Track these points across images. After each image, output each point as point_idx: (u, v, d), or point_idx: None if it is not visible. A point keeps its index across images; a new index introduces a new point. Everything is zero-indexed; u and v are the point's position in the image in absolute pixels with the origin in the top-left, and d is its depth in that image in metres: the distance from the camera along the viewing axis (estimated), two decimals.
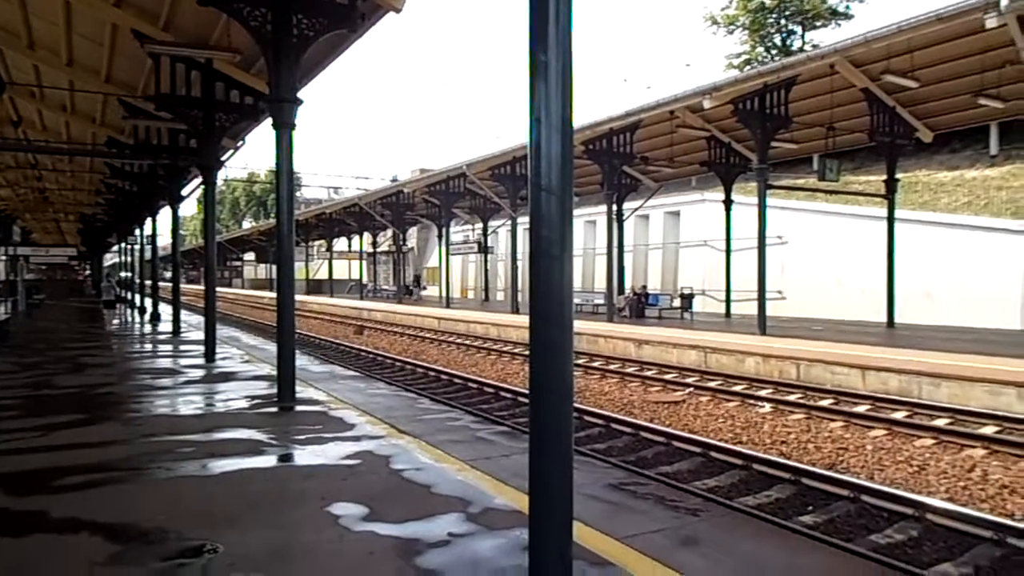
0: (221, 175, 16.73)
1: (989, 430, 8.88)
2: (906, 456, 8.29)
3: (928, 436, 8.92)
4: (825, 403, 10.82)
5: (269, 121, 8.24)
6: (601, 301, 23.78)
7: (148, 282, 26.64)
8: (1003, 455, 8.08)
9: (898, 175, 18.76)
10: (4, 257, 33.95)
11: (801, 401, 11.03)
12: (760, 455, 7.99)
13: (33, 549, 3.79)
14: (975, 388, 10.12)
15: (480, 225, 34.07)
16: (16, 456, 5.66)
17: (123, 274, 29.50)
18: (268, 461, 5.60)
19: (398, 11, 8.18)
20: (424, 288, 45.37)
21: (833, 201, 23.44)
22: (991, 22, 11.98)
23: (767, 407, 10.96)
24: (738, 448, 8.36)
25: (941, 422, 9.41)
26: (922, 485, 7.39)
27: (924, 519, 6.05)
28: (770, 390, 11.91)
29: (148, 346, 15.02)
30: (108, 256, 54.63)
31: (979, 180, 22.75)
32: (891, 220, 18.62)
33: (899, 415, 9.87)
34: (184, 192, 17.47)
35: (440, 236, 34.25)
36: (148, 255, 27.15)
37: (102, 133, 16.80)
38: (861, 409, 10.34)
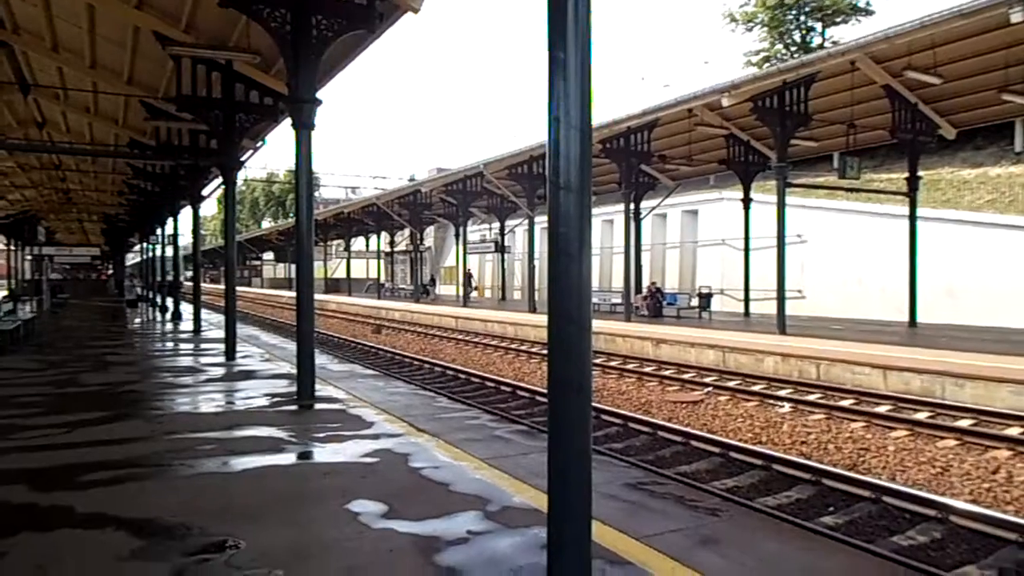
0: (241, 175, 16.87)
1: (1014, 431, 8.74)
2: (929, 457, 8.19)
3: (951, 437, 8.80)
4: (846, 403, 10.71)
5: (288, 121, 8.29)
6: (618, 300, 23.68)
7: (169, 279, 26.91)
8: None
9: (920, 172, 18.46)
10: (29, 257, 34.64)
11: (821, 401, 10.92)
12: (780, 455, 7.93)
13: (60, 544, 3.85)
14: (1000, 389, 9.97)
15: (497, 224, 34.10)
16: (43, 452, 5.76)
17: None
18: (288, 459, 5.66)
19: (416, 11, 8.19)
20: (440, 289, 45.39)
21: (854, 199, 23.13)
22: (1016, 17, 11.77)
23: (787, 407, 10.87)
24: (758, 448, 8.31)
25: (965, 423, 9.28)
26: (945, 487, 7.30)
27: (947, 521, 5.98)
28: (790, 390, 11.81)
29: (170, 344, 15.20)
30: (130, 256, 55.36)
31: (1003, 177, 22.36)
32: (913, 218, 18.35)
33: (921, 416, 9.75)
34: (205, 192, 17.69)
35: (457, 235, 34.34)
36: (169, 254, 27.36)
37: (124, 134, 17.02)
38: (882, 409, 10.22)
